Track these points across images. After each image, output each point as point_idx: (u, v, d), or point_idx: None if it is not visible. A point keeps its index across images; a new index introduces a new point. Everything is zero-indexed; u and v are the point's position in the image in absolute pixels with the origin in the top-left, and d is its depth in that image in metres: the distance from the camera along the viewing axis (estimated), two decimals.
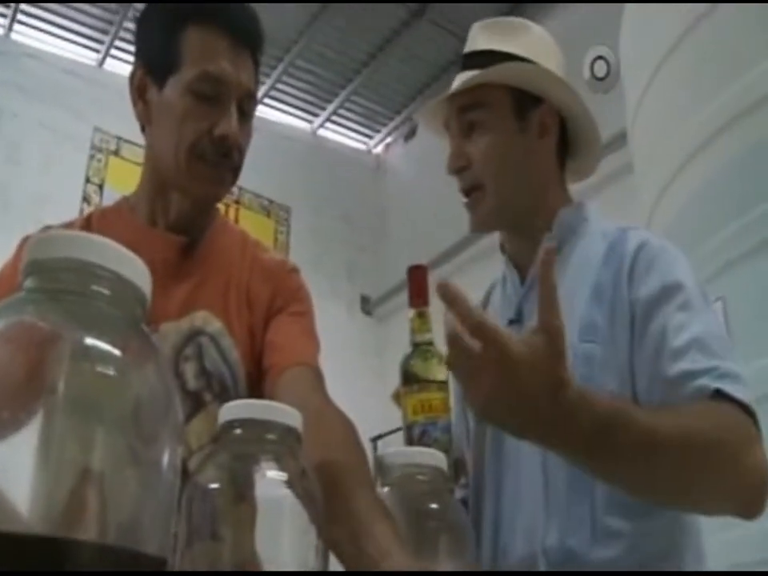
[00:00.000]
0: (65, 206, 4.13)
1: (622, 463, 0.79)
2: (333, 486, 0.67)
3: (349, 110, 5.68)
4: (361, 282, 5.62)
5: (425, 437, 0.91)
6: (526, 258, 1.08)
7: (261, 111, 5.09)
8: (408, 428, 0.93)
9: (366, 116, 5.77)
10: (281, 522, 0.55)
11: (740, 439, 0.83)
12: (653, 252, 0.99)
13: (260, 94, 3.58)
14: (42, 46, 4.78)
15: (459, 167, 1.09)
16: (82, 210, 4.32)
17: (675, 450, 0.79)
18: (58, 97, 4.65)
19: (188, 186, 1.01)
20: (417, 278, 0.99)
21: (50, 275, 0.45)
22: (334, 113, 5.67)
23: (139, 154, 1.22)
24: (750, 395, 0.86)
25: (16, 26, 4.69)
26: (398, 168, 5.93)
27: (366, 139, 6.02)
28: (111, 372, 0.41)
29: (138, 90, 1.02)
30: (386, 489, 0.77)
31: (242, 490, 0.55)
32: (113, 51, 4.87)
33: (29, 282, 0.45)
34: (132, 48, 1.09)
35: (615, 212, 1.34)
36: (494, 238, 1.19)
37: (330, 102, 5.56)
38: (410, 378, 0.94)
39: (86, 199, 4.60)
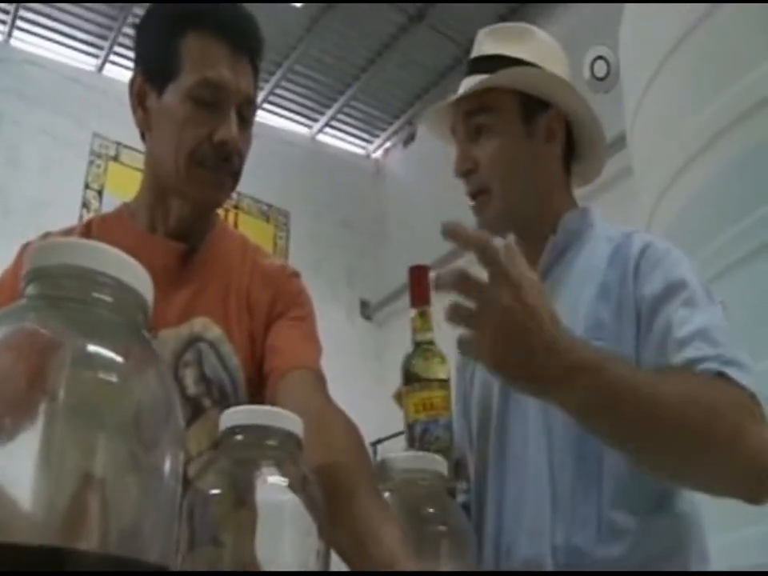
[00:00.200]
0: (64, 211, 4.14)
1: (624, 410, 0.79)
2: (336, 488, 0.68)
3: (348, 114, 5.69)
4: (360, 286, 5.62)
5: (426, 435, 0.91)
6: (531, 261, 1.08)
7: (260, 116, 5.07)
8: (409, 426, 0.93)
9: (364, 121, 5.78)
10: (281, 527, 0.55)
11: (743, 415, 0.82)
12: (658, 252, 1.00)
13: (259, 99, 3.58)
14: (42, 52, 4.80)
15: (466, 170, 1.10)
16: (81, 216, 4.33)
17: (678, 406, 0.80)
18: (58, 103, 4.66)
19: (188, 191, 1.01)
20: (418, 278, 0.99)
21: (52, 282, 0.45)
22: (333, 118, 5.68)
23: (138, 160, 1.22)
24: (757, 388, 0.85)
25: (15, 33, 4.70)
26: (397, 173, 5.93)
27: (365, 144, 6.03)
28: (112, 379, 0.41)
29: (138, 96, 1.02)
30: (386, 493, 0.77)
31: (242, 496, 0.55)
32: (112, 57, 4.89)
33: (30, 289, 0.45)
34: (131, 54, 1.10)
35: (615, 214, 1.34)
36: None
37: (328, 107, 5.57)
38: (411, 377, 0.94)
39: (85, 205, 4.60)
